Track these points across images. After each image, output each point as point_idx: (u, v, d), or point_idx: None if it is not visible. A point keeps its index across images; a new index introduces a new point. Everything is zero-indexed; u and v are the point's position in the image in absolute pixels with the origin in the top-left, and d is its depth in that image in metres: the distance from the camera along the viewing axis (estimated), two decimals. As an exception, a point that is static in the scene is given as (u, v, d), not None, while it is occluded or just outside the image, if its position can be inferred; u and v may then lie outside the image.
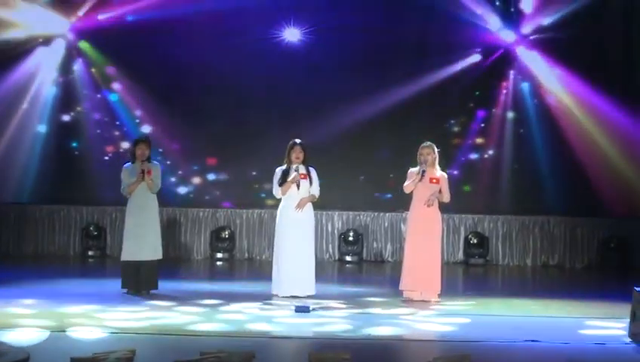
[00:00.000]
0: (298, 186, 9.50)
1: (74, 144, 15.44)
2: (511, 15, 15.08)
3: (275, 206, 9.94)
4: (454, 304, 9.20)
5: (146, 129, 15.17)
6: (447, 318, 8.27)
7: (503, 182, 15.12)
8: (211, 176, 15.41)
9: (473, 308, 9.04)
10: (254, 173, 15.12)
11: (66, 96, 15.29)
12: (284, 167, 9.61)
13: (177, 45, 14.68)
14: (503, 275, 13.20)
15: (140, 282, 9.45)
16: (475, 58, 15.07)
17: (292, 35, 14.92)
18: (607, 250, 13.92)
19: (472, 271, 13.37)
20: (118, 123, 15.28)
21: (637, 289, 7.10)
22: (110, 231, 14.29)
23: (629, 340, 7.11)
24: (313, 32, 14.84)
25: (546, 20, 14.94)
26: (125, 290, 9.45)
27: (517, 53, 15.17)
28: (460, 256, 14.20)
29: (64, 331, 7.04)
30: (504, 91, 15.20)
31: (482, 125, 15.24)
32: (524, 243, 14.21)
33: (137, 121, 15.26)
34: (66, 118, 15.39)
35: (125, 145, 15.03)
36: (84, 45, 15.21)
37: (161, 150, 14.69)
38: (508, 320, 8.35)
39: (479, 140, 15.27)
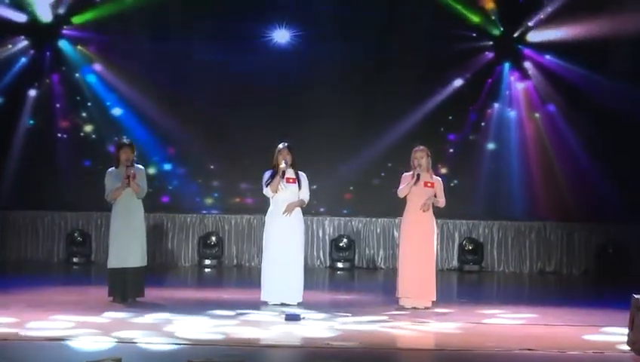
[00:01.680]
0: (283, 175, 9.28)
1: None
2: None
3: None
4: (449, 311, 9.08)
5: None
6: (441, 326, 8.18)
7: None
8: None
9: (468, 315, 8.89)
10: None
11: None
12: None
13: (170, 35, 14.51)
14: (499, 282, 13.12)
15: (126, 289, 9.29)
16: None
17: (282, 36, 14.74)
18: (604, 256, 13.82)
19: (466, 278, 13.28)
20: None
21: (635, 296, 6.99)
22: (95, 238, 14.10)
23: (627, 348, 6.99)
24: (302, 37, 14.67)
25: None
26: (111, 298, 9.28)
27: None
28: (455, 262, 14.06)
29: (48, 340, 6.92)
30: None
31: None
32: (520, 249, 14.08)
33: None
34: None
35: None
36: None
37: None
38: (503, 328, 8.23)
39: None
